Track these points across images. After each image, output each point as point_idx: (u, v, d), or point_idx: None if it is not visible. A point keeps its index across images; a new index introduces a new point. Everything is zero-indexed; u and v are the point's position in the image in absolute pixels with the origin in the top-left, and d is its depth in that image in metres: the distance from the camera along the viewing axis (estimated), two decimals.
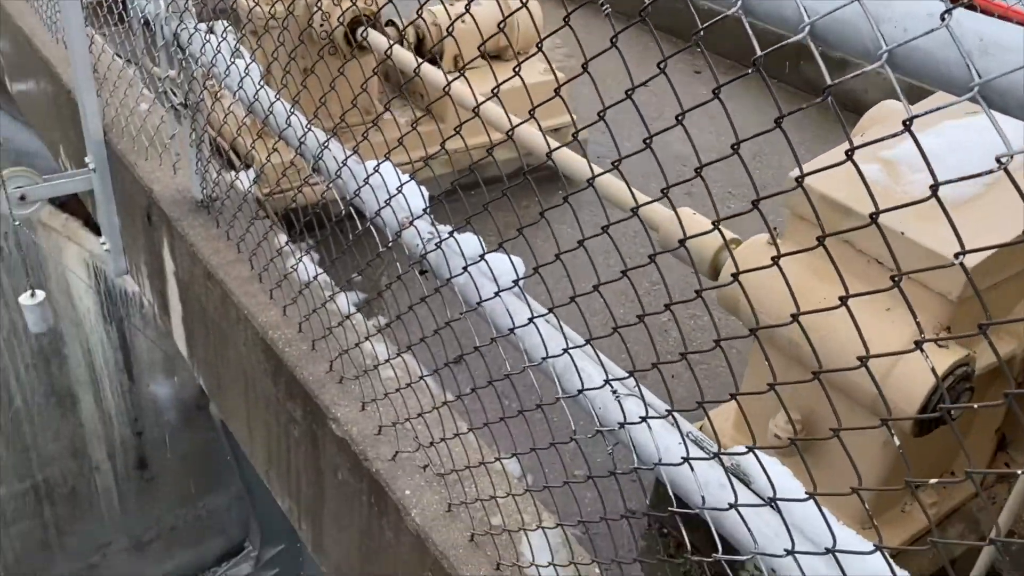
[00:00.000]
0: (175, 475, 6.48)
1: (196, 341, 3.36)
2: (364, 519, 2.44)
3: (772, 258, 1.24)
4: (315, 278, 2.65)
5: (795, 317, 1.22)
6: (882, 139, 1.09)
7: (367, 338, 2.45)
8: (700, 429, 1.70)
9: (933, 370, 1.25)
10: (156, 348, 5.85)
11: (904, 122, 0.95)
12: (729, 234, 2.39)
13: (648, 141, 1.35)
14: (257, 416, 2.96)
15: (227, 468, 6.67)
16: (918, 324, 1.12)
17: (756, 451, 1.37)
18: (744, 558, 1.43)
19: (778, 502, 1.35)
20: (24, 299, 3.34)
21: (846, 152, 1.05)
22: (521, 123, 1.63)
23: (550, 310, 1.72)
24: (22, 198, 3.28)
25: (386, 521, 2.33)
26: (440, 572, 2.14)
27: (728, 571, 1.49)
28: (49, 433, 5.74)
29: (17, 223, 3.28)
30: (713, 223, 1.30)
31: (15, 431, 5.57)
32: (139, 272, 3.74)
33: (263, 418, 2.91)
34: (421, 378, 2.25)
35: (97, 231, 5.12)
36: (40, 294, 3.35)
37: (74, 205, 5.36)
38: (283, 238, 2.93)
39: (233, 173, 3.15)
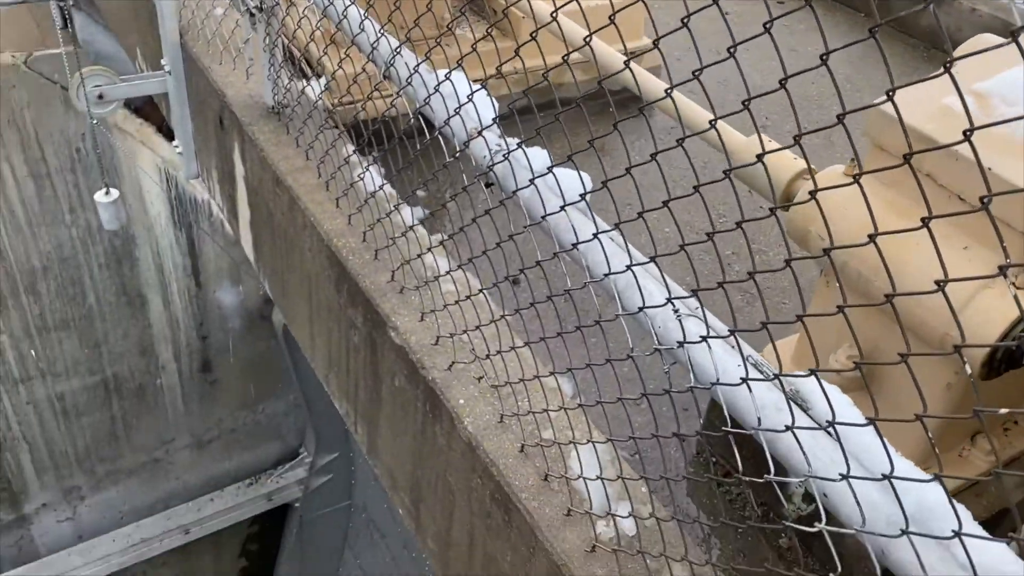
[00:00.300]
0: (237, 380, 6.71)
1: (263, 246, 3.44)
2: (418, 425, 2.50)
3: (853, 176, 1.20)
4: (381, 187, 2.66)
5: (872, 238, 1.19)
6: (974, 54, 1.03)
7: (429, 249, 2.47)
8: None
9: (1016, 298, 1.20)
10: (223, 256, 6.01)
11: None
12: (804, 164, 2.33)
13: (732, 50, 1.31)
14: (319, 321, 3.03)
15: (286, 377, 6.88)
16: (1004, 248, 1.07)
17: (818, 373, 1.35)
18: (796, 480, 1.42)
19: (836, 426, 1.33)
20: (99, 196, 3.44)
21: (938, 80, 0.99)
22: (600, 29, 1.59)
23: (616, 226, 1.71)
24: (100, 97, 3.35)
25: (439, 428, 2.38)
26: (489, 479, 2.19)
27: (778, 493, 1.49)
28: (119, 331, 5.99)
29: (95, 121, 3.36)
30: (794, 138, 1.26)
31: (88, 327, 5.82)
32: (210, 176, 3.81)
33: (325, 323, 2.98)
34: (480, 291, 2.26)
35: (170, 137, 5.22)
36: (114, 192, 3.45)
37: (148, 111, 5.46)
38: (350, 148, 2.95)
39: (304, 81, 3.16)
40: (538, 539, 2.07)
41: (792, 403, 1.49)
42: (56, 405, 6.02)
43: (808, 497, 2.50)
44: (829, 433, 1.45)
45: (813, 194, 1.28)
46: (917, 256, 2.01)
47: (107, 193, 3.44)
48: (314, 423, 7.16)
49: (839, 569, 1.36)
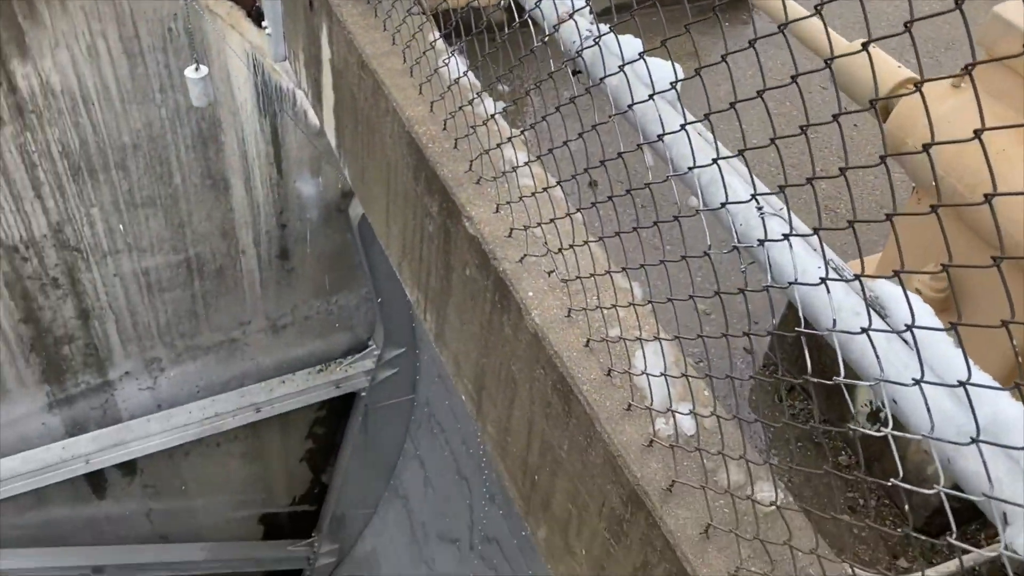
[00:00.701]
0: (312, 270, 6.89)
1: (345, 131, 3.47)
2: (486, 315, 2.54)
3: (966, 66, 1.14)
4: (464, 75, 2.64)
5: (977, 134, 1.12)
6: None
7: (509, 140, 2.46)
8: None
9: None
10: (305, 146, 6.09)
11: None
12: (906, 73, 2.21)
13: None
14: (396, 209, 3.06)
15: (359, 271, 7.04)
16: None
17: (901, 275, 1.31)
18: (868, 383, 1.40)
19: (915, 330, 1.30)
20: (189, 72, 3.50)
21: None
22: None
23: (706, 116, 1.66)
24: None
25: (507, 318, 2.41)
26: (552, 370, 2.22)
27: (846, 396, 1.47)
28: (203, 213, 6.18)
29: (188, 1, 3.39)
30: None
31: (173, 206, 6.02)
32: (296, 60, 3.83)
33: (401, 211, 3.01)
34: (558, 183, 2.25)
35: (258, 22, 5.24)
36: (204, 69, 3.50)
37: None
38: (436, 34, 2.92)
39: None
40: (596, 430, 2.10)
41: (870, 309, 1.45)
42: (141, 279, 6.30)
43: (873, 416, 2.47)
44: (905, 342, 1.42)
45: (919, 86, 1.22)
46: (1018, 174, 1.91)
47: (196, 69, 3.50)
48: (384, 318, 7.34)
49: (901, 475, 1.35)
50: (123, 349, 6.60)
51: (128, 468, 7.28)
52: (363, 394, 7.66)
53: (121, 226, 6.01)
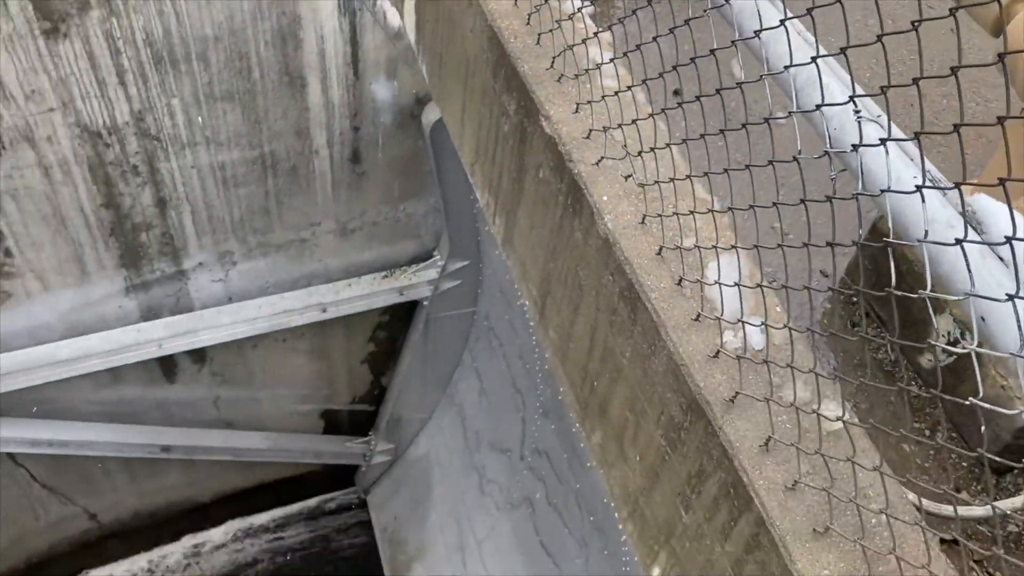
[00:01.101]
0: (383, 175, 6.92)
1: (425, 26, 3.41)
2: (557, 219, 2.52)
3: None
4: None
5: None
6: None
7: (595, 35, 2.38)
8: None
9: None
10: (382, 49, 6.04)
11: None
12: None
13: None
14: (472, 107, 3.02)
15: (428, 180, 7.05)
16: None
17: (1007, 184, 1.23)
18: (958, 297, 1.34)
19: (1015, 243, 1.23)
20: None
21: None
22: None
23: (808, 11, 1.57)
24: None
25: (578, 223, 2.38)
26: (621, 276, 2.20)
27: (931, 313, 1.42)
28: (279, 110, 6.21)
29: None
30: None
31: (250, 102, 6.06)
32: None
33: (477, 109, 2.97)
34: (643, 82, 2.18)
35: None
36: None
37: None
38: None
39: None
40: (661, 338, 2.08)
41: (967, 222, 1.38)
42: (217, 173, 6.42)
43: (952, 345, 2.40)
44: (1001, 259, 1.35)
45: None
46: None
47: None
48: (450, 229, 7.37)
49: (981, 394, 1.31)
50: (198, 240, 6.78)
51: (198, 355, 7.58)
52: (425, 303, 7.77)
53: (200, 118, 6.09)
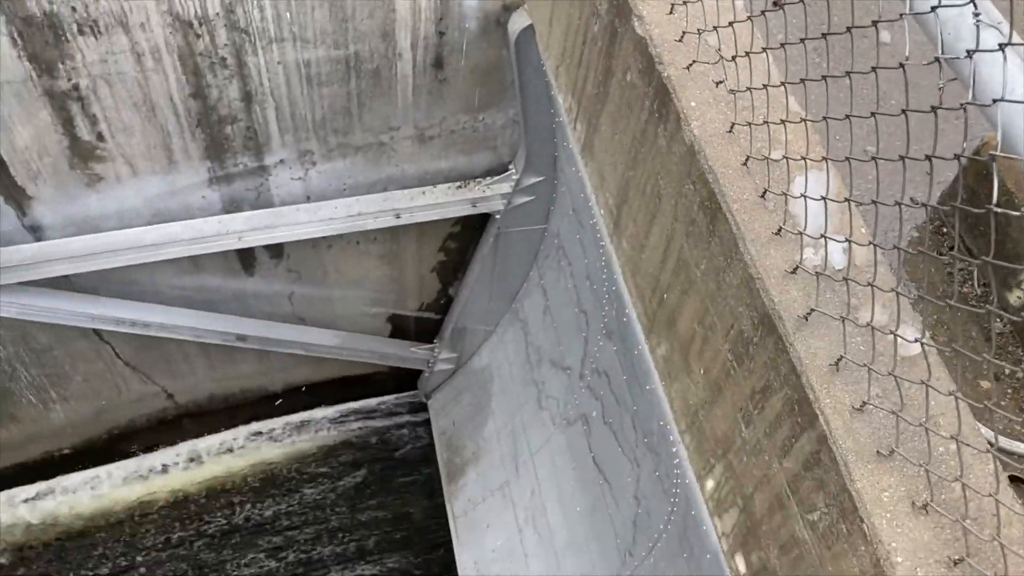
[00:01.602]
0: (464, 83, 6.86)
1: None
2: (641, 124, 2.46)
3: None
4: None
5: None
6: None
7: None
8: None
9: None
10: None
11: None
12: None
13: None
14: (561, 6, 2.95)
15: (509, 91, 6.96)
16: None
17: None
18: None
19: None
20: None
21: None
22: None
23: None
24: None
25: (663, 129, 2.33)
26: (703, 185, 2.15)
27: (1006, 281, 1.35)
28: (366, 10, 6.17)
29: None
30: None
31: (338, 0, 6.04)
32: None
33: (567, 9, 2.90)
34: None
35: None
36: None
37: None
38: None
39: None
40: (739, 250, 2.04)
41: None
42: (302, 70, 6.45)
43: None
44: None
45: None
46: None
47: None
48: (527, 143, 7.30)
49: None
50: (280, 137, 6.88)
51: (276, 251, 7.79)
52: (497, 217, 7.78)
53: (288, 14, 6.10)
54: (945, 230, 2.39)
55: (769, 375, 1.98)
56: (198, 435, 9.47)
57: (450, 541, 8.87)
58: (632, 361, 6.17)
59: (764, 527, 1.98)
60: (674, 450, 5.53)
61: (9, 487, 9.16)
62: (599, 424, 7.20)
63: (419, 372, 9.60)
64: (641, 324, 2.60)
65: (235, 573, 8.81)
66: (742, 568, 2.21)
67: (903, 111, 1.52)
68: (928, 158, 1.50)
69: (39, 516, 9.00)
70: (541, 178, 7.40)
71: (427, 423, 9.62)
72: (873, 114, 1.64)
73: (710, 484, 2.20)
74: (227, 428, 9.50)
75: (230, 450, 9.38)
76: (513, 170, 7.51)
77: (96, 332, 7.89)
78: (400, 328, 9.14)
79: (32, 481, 9.21)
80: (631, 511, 6.79)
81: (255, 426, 9.47)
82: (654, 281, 2.50)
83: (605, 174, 2.80)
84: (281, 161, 7.06)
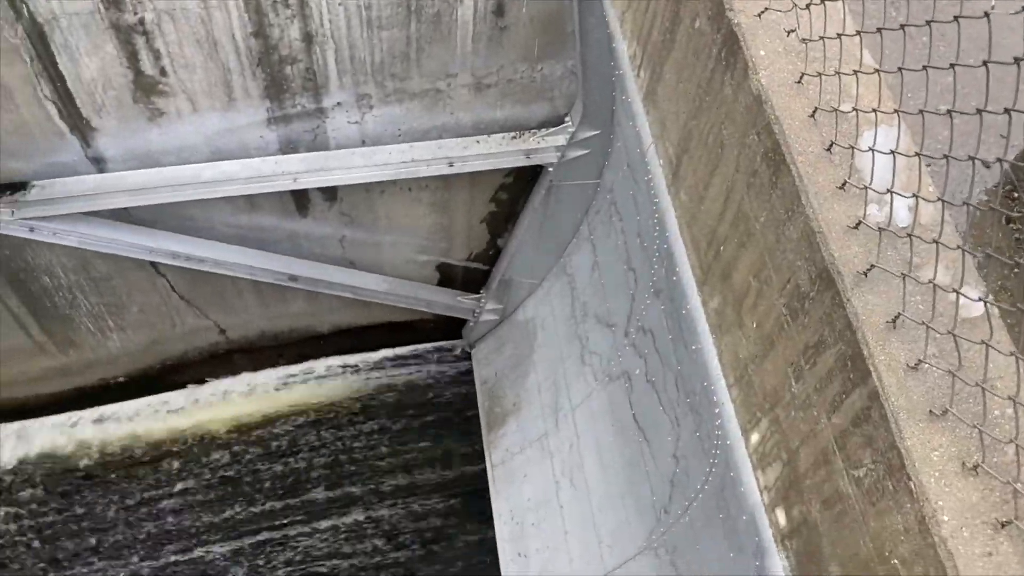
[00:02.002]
0: (524, 31, 6.79)
1: None
2: (707, 72, 2.42)
3: None
4: None
5: None
6: None
7: None
8: None
9: None
10: None
11: None
12: None
13: None
14: None
15: (569, 42, 6.87)
16: None
17: None
18: None
19: None
20: None
21: None
22: None
23: None
24: None
25: (729, 77, 2.29)
26: (768, 136, 2.12)
27: None
28: None
29: None
30: None
31: None
32: None
33: None
34: None
35: None
36: None
37: None
38: None
39: None
40: (801, 204, 2.01)
41: None
42: (363, 12, 6.45)
43: None
44: None
45: None
46: None
47: None
48: (585, 96, 7.22)
49: None
50: (338, 80, 6.91)
51: (329, 193, 7.88)
52: (550, 169, 7.74)
53: None
54: (1017, 195, 2.32)
55: (824, 330, 1.97)
56: (248, 370, 9.72)
57: (487, 489, 9.02)
58: (679, 321, 6.15)
59: (808, 481, 1.98)
60: (716, 411, 5.53)
61: (67, 410, 9.55)
62: (641, 382, 7.21)
63: (463, 321, 9.69)
64: (695, 276, 2.59)
65: (274, 504, 9.11)
66: (782, 521, 2.22)
67: (984, 63, 1.48)
68: (1008, 111, 1.46)
69: (95, 438, 9.40)
70: (597, 132, 7.33)
71: (469, 372, 9.73)
72: (952, 65, 1.59)
73: (755, 438, 2.20)
74: (275, 365, 9.73)
75: (277, 387, 9.63)
76: (569, 122, 7.45)
77: (153, 265, 8.11)
78: (447, 277, 9.21)
79: (90, 406, 9.58)
80: (669, 470, 6.83)
81: (303, 365, 9.70)
82: (711, 233, 2.48)
83: (667, 123, 2.76)
84: (339, 104, 7.09)
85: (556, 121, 7.51)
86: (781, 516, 2.23)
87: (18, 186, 7.10)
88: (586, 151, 7.48)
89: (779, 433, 2.10)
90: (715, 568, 6.11)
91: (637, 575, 7.22)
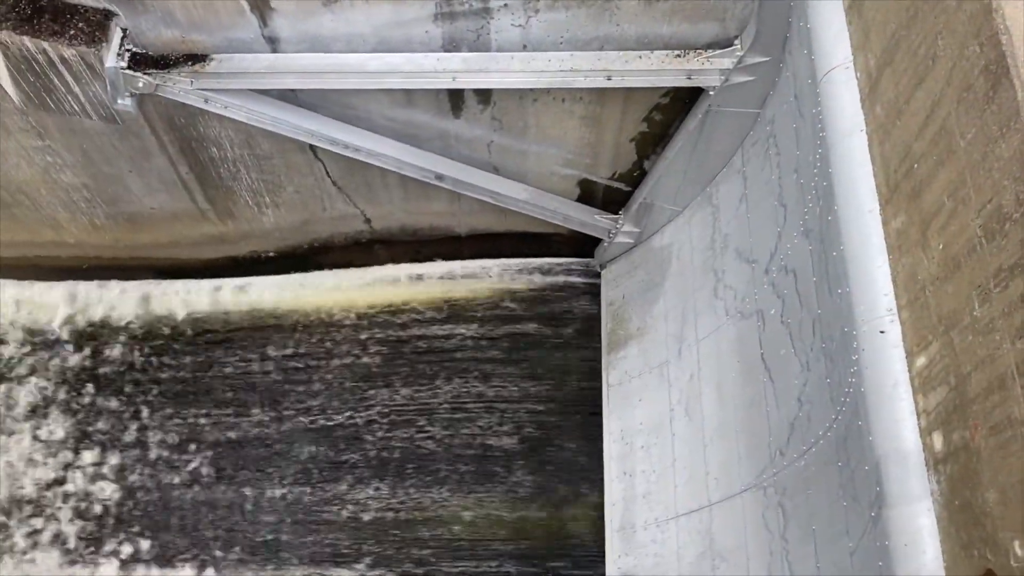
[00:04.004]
0: None
1: None
2: None
3: None
4: None
5: None
6: None
7: None
8: None
9: None
10: None
11: None
12: None
13: None
14: None
15: None
16: None
17: None
18: None
19: None
20: None
21: None
22: None
23: None
24: None
25: None
26: (992, 48, 2.00)
27: None
28: None
29: None
30: None
31: None
32: None
33: None
34: None
35: None
36: None
37: None
38: None
39: None
40: (1020, 119, 1.91)
41: None
42: None
43: None
44: None
45: None
46: None
47: None
48: (760, 19, 6.92)
49: None
50: None
51: (484, 96, 7.95)
52: (711, 93, 7.52)
53: None
54: None
55: (1022, 253, 1.89)
56: (386, 261, 10.12)
57: (599, 406, 9.16)
58: (827, 263, 5.96)
59: (975, 407, 1.94)
60: (854, 358, 5.38)
61: (220, 276, 10.25)
62: (775, 322, 7.07)
63: (597, 240, 9.69)
64: (879, 195, 2.50)
65: (387, 391, 9.57)
66: (938, 445, 2.18)
67: None
68: None
69: (244, 303, 10.10)
70: (766, 59, 7.04)
71: (596, 291, 9.78)
72: None
73: (921, 361, 2.16)
74: (413, 260, 10.07)
75: (412, 280, 9.99)
76: (738, 46, 7.18)
77: (312, 148, 8.47)
78: (587, 193, 9.20)
79: (240, 275, 10.25)
80: (791, 412, 6.73)
81: (437, 264, 10.00)
82: (905, 149, 2.39)
83: (870, 34, 2.64)
84: (505, 5, 7.07)
85: (724, 43, 7.25)
86: (938, 441, 2.19)
87: (199, 58, 7.51)
88: (751, 78, 7.21)
89: (950, 357, 2.05)
90: (825, 514, 6.05)
91: (741, 510, 7.24)
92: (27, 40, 7.02)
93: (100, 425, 9.64)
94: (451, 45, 7.42)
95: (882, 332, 4.55)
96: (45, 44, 7.06)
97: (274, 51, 7.48)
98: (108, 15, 7.15)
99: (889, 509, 4.51)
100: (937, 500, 2.39)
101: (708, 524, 7.59)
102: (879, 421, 4.66)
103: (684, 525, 7.88)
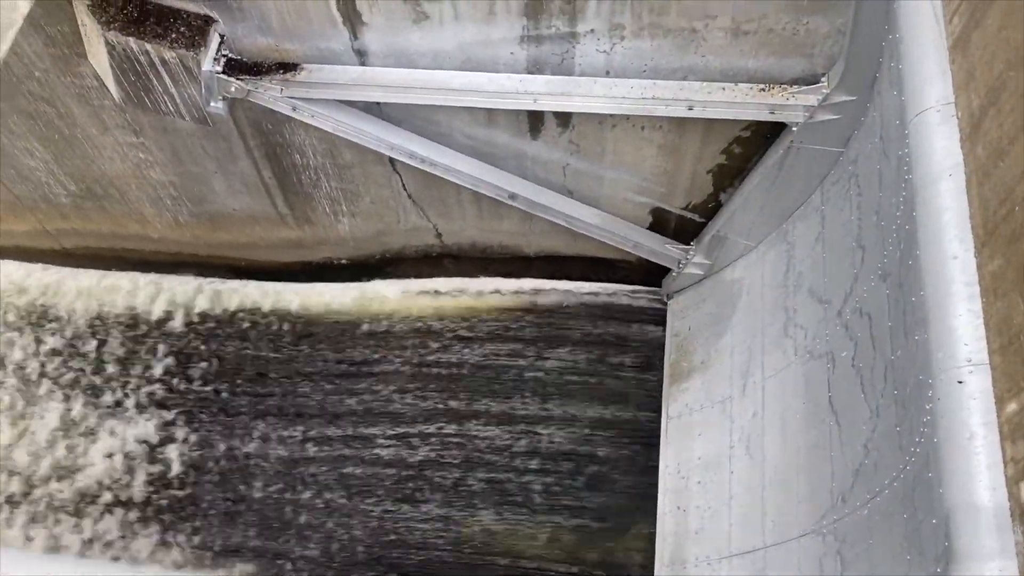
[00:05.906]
0: None
1: None
2: None
3: None
4: None
5: None
6: None
7: None
8: None
9: None
10: None
11: None
12: None
13: None
14: None
15: None
16: None
17: None
18: None
19: None
20: None
21: None
22: None
23: None
24: None
25: None
26: None
27: None
28: None
29: None
30: None
31: None
32: None
33: None
34: None
35: None
36: None
37: None
38: None
39: None
40: None
41: None
42: None
43: None
44: None
45: None
46: None
47: None
48: (849, 57, 6.83)
49: None
50: (596, 5, 6.93)
51: (563, 119, 8.01)
52: (794, 129, 7.43)
53: None
54: None
55: None
56: (455, 275, 10.22)
57: (657, 437, 9.05)
58: (905, 308, 5.80)
59: None
60: (928, 407, 5.20)
61: (294, 280, 10.50)
62: (846, 365, 6.90)
63: (665, 270, 9.62)
64: (975, 236, 2.44)
65: (455, 402, 9.65)
66: None
67: None
68: None
69: (317, 306, 10.33)
70: (853, 98, 6.94)
71: (662, 321, 9.69)
72: None
73: (1012, 407, 2.09)
74: (481, 276, 10.15)
75: (480, 295, 10.07)
76: (825, 83, 7.09)
77: (391, 161, 8.64)
78: (660, 222, 9.16)
79: (311, 280, 10.48)
80: (856, 459, 6.54)
81: (506, 281, 10.06)
82: (1005, 192, 2.33)
83: (976, 73, 2.59)
84: (591, 31, 7.13)
85: (810, 80, 7.17)
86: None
87: (290, 66, 7.75)
88: (836, 116, 7.11)
89: None
90: (886, 566, 5.84)
91: (797, 555, 7.04)
92: (132, 41, 7.35)
93: None
94: (535, 67, 7.51)
95: (960, 382, 4.39)
96: (148, 46, 7.38)
97: (362, 64, 7.68)
98: (208, 21, 7.44)
99: (957, 564, 4.34)
100: (1022, 552, 2.30)
101: (762, 567, 7.41)
102: (951, 473, 4.49)
103: (736, 565, 7.70)
